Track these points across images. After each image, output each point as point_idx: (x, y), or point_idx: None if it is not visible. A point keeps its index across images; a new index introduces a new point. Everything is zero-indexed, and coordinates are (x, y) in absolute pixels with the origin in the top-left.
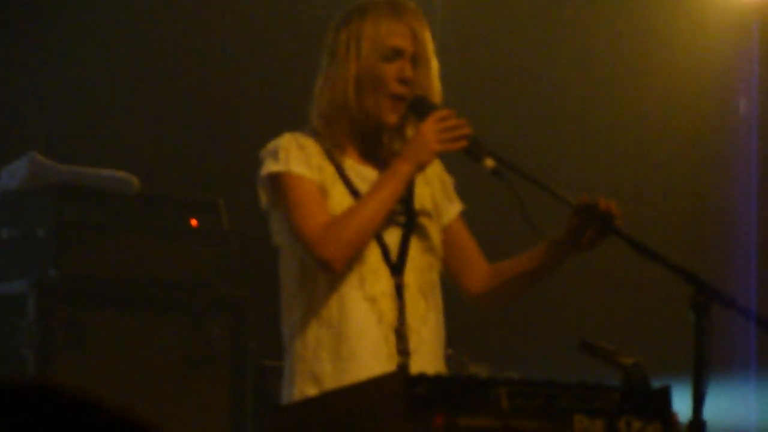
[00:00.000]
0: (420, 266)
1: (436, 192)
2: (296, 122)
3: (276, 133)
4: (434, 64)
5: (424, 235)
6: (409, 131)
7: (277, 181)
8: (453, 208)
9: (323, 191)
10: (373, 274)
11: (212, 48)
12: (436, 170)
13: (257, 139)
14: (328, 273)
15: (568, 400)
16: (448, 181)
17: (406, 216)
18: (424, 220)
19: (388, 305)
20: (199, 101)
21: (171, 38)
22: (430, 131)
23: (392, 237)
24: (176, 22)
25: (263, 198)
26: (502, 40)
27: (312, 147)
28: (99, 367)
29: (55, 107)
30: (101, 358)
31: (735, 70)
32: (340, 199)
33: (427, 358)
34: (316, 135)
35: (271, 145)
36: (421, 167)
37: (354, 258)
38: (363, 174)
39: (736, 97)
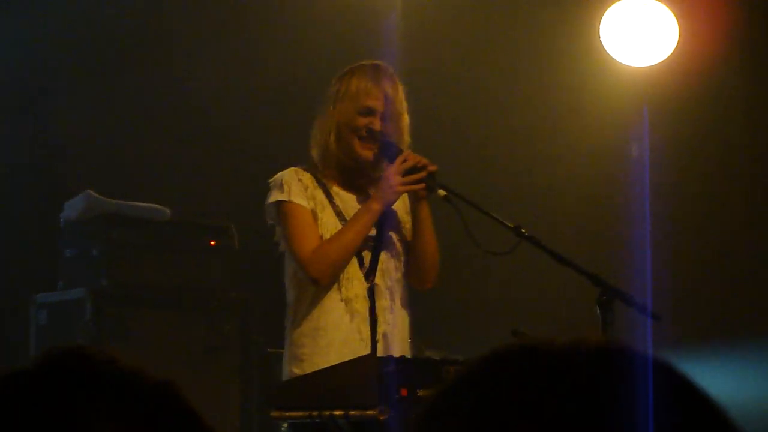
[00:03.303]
0: (387, 269)
1: (403, 206)
2: (292, 162)
3: (276, 170)
4: (405, 119)
5: (391, 245)
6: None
7: (280, 208)
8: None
9: (315, 216)
10: (349, 281)
11: (228, 104)
12: None
13: (261, 177)
14: (317, 286)
15: None
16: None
17: (379, 233)
18: (392, 234)
19: (360, 305)
20: (217, 148)
21: (195, 92)
22: (393, 176)
23: (367, 250)
24: (195, 75)
25: (269, 219)
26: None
27: (308, 179)
28: (139, 355)
29: (105, 155)
30: (141, 348)
31: (630, 123)
32: (327, 220)
33: (395, 340)
34: (312, 168)
35: (277, 178)
36: (388, 205)
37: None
38: (346, 199)
39: (630, 143)
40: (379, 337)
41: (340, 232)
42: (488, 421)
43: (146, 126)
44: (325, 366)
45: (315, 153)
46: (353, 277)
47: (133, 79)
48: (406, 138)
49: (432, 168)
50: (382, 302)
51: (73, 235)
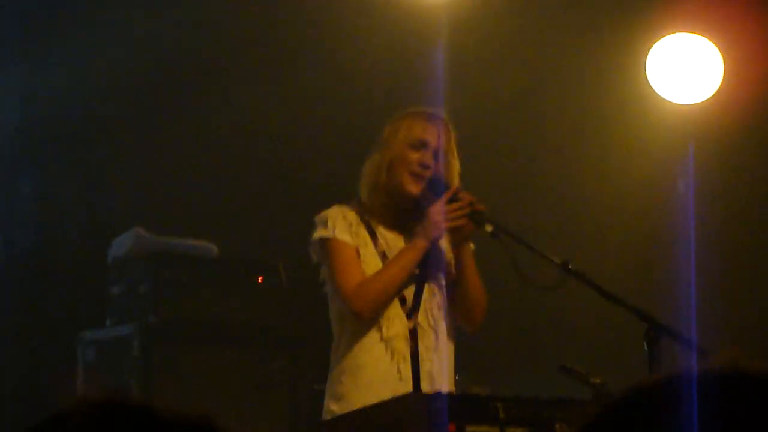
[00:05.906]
0: (431, 308)
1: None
2: (339, 200)
3: (324, 208)
4: (455, 163)
5: (434, 282)
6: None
7: (325, 244)
8: None
9: (358, 252)
10: (390, 320)
11: (277, 142)
12: None
13: (309, 214)
14: (359, 321)
15: (551, 411)
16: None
17: (422, 270)
18: (435, 271)
19: (401, 344)
20: (265, 184)
21: (243, 131)
22: (437, 213)
23: (410, 288)
24: (243, 114)
25: (314, 256)
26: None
27: (353, 217)
28: (189, 391)
29: (153, 193)
30: (190, 385)
31: (676, 159)
32: (370, 259)
33: (441, 377)
34: (359, 206)
35: (322, 215)
36: (433, 241)
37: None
38: (390, 239)
39: (676, 180)
40: (423, 375)
41: (384, 268)
42: None
43: (194, 163)
44: (363, 404)
45: (363, 191)
46: (394, 316)
47: (181, 117)
48: (456, 182)
49: (480, 208)
50: (426, 342)
51: (121, 273)
